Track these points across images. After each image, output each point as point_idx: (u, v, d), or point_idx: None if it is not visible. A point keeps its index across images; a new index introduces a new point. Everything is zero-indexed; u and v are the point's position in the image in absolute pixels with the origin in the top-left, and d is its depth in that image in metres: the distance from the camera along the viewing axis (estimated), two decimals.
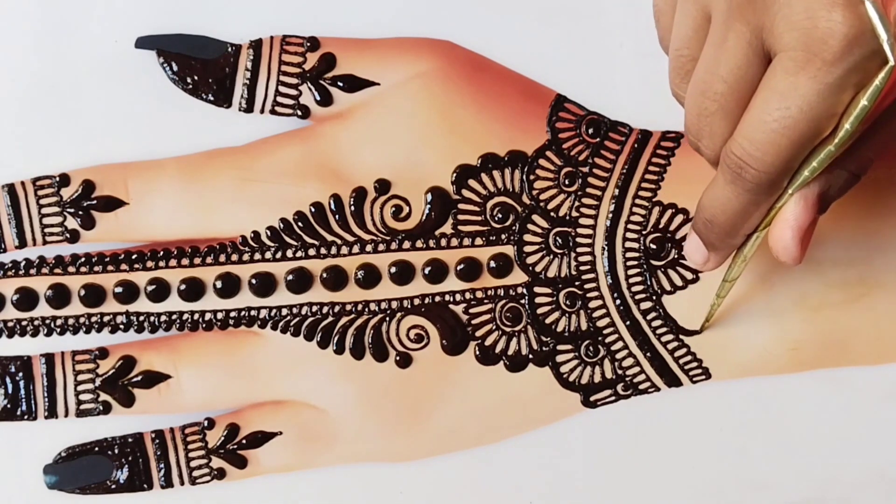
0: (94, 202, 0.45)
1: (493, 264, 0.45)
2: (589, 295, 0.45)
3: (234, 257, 0.45)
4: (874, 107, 0.33)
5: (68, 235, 0.45)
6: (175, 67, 0.45)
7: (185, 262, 0.45)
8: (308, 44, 0.46)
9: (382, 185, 0.45)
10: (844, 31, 0.31)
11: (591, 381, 0.46)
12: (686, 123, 0.37)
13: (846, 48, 0.32)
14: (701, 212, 0.39)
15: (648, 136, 0.45)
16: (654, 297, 0.45)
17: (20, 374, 0.46)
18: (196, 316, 0.46)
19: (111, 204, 0.45)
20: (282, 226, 0.45)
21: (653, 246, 0.45)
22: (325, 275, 0.45)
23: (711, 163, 0.37)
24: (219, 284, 0.45)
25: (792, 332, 0.45)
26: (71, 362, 0.46)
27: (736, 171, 0.35)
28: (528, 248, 0.45)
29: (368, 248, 0.45)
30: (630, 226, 0.45)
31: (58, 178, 0.45)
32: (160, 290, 0.45)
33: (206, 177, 0.45)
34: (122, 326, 0.46)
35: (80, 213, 0.45)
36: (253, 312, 0.45)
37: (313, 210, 0.45)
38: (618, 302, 0.45)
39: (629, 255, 0.45)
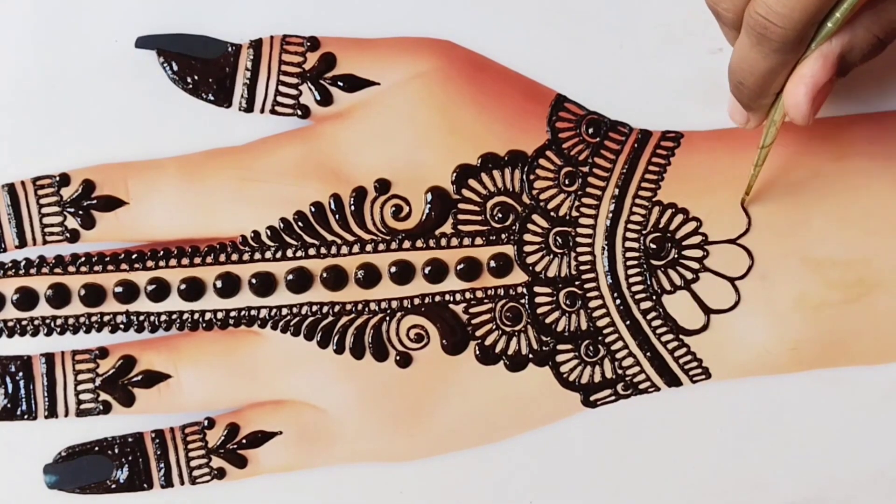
0: (94, 202, 0.45)
1: (493, 264, 0.45)
2: (589, 295, 0.45)
3: (234, 257, 0.45)
4: None
5: (68, 235, 0.45)
6: (175, 67, 0.45)
7: (185, 261, 0.45)
8: (308, 44, 0.46)
9: (382, 185, 0.45)
10: None
11: (591, 381, 0.46)
12: None
13: None
14: (731, 75, 0.39)
15: (648, 135, 0.45)
16: (654, 297, 0.45)
17: (20, 374, 0.46)
18: (196, 316, 0.46)
19: (111, 204, 0.45)
20: (282, 225, 0.45)
21: (653, 246, 0.45)
22: (325, 274, 0.45)
23: (732, 27, 0.37)
24: (219, 284, 0.45)
25: (792, 332, 0.45)
26: (71, 362, 0.46)
27: (761, 32, 0.35)
28: (528, 248, 0.45)
29: (368, 247, 0.45)
30: (630, 225, 0.45)
31: (58, 178, 0.45)
32: (160, 290, 0.45)
33: (206, 176, 0.45)
34: (122, 326, 0.46)
35: (80, 212, 0.45)
36: (253, 312, 0.45)
37: (313, 210, 0.45)
38: (618, 302, 0.45)
39: (629, 254, 0.45)
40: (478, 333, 0.45)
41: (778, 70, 0.37)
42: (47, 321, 0.46)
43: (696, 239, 0.45)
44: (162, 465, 0.46)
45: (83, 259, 0.45)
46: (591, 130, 0.45)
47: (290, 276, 0.45)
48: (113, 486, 0.46)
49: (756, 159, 0.42)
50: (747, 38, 0.36)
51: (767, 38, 0.35)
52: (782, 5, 0.34)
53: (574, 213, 0.45)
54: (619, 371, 0.45)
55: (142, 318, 0.46)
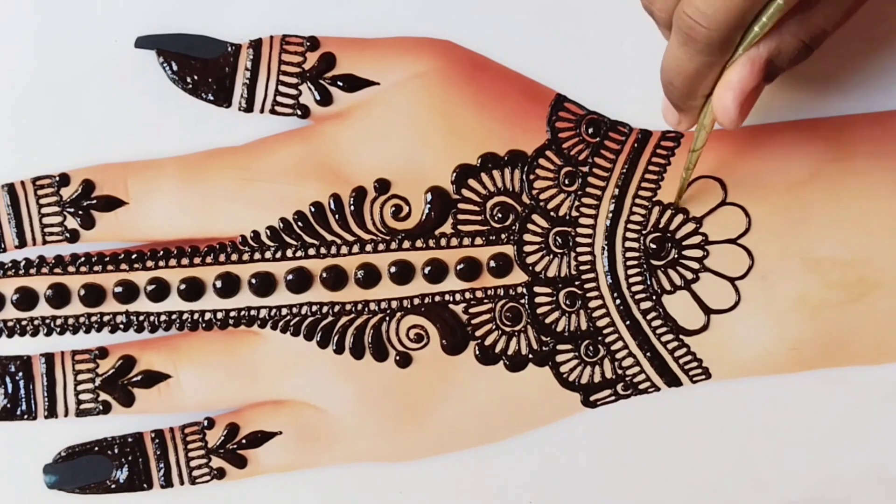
0: (94, 202, 0.45)
1: (492, 264, 0.45)
2: (589, 295, 0.45)
3: (234, 257, 0.45)
4: None
5: (68, 235, 0.45)
6: (175, 67, 0.45)
7: (185, 261, 0.45)
8: (308, 43, 0.46)
9: (382, 185, 0.45)
10: None
11: (590, 381, 0.46)
12: None
13: None
14: (662, 74, 0.39)
15: (648, 135, 0.45)
16: (654, 297, 0.45)
17: (20, 374, 0.46)
18: (196, 316, 0.46)
19: (111, 204, 0.45)
20: (282, 225, 0.45)
21: (653, 246, 0.45)
22: (324, 274, 0.45)
23: (665, 28, 0.37)
24: (219, 284, 0.45)
25: (792, 332, 0.45)
26: (71, 362, 0.46)
27: (687, 32, 0.35)
28: (527, 248, 0.45)
29: (368, 247, 0.45)
30: (630, 225, 0.45)
31: (58, 178, 0.45)
32: (160, 290, 0.45)
33: (206, 176, 0.45)
34: (121, 326, 0.46)
35: (80, 212, 0.45)
36: (253, 312, 0.45)
37: (313, 210, 0.45)
38: (618, 302, 0.45)
39: (629, 254, 0.45)
40: (478, 333, 0.45)
41: (705, 72, 0.37)
42: (47, 321, 0.46)
43: (696, 239, 0.45)
44: (162, 465, 0.46)
45: (83, 259, 0.45)
46: (591, 130, 0.45)
47: (290, 276, 0.45)
48: (113, 486, 0.46)
49: (686, 163, 0.42)
50: (676, 38, 0.36)
51: (693, 39, 0.35)
52: (708, 6, 0.34)
53: (574, 213, 0.45)
54: (619, 371, 0.45)
55: (142, 318, 0.46)
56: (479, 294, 0.45)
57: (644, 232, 0.45)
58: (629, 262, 0.45)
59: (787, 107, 0.45)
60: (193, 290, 0.45)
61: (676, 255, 0.45)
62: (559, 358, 0.45)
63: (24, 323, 0.46)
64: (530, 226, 0.45)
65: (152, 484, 0.46)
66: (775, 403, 0.45)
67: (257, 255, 0.45)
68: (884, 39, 0.45)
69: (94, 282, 0.45)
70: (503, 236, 0.45)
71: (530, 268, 0.45)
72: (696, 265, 0.45)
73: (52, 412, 0.46)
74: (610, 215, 0.45)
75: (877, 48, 0.45)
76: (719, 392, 0.46)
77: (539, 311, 0.45)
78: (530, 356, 0.45)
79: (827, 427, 0.46)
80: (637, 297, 0.45)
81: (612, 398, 0.46)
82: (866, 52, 0.45)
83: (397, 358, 0.45)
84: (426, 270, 0.45)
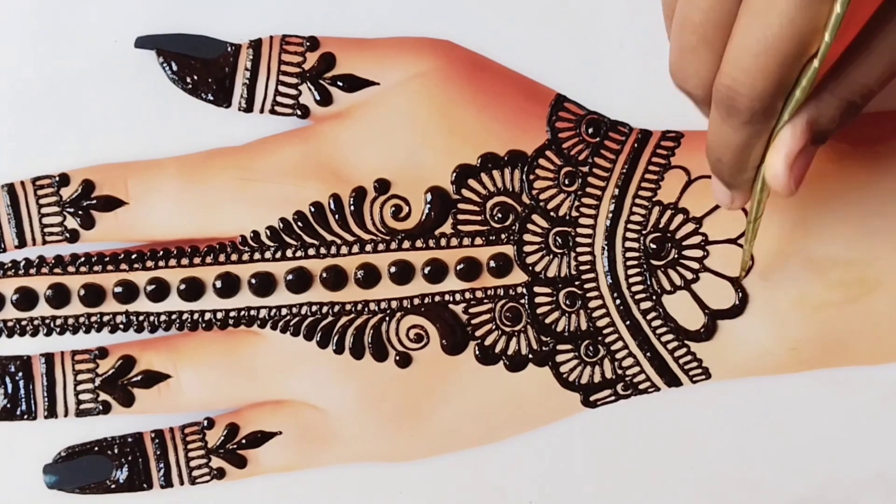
0: (94, 202, 0.45)
1: (492, 264, 0.45)
2: (589, 295, 0.45)
3: (234, 257, 0.45)
4: (849, 17, 0.32)
5: (68, 235, 0.45)
6: (175, 67, 0.45)
7: (184, 261, 0.45)
8: (308, 43, 0.46)
9: (382, 185, 0.45)
10: None
11: (590, 381, 0.46)
12: (670, 68, 0.36)
13: None
14: (709, 153, 0.38)
15: (648, 135, 0.45)
16: (654, 297, 0.45)
17: (20, 374, 0.46)
18: (196, 316, 0.46)
19: (111, 204, 0.45)
20: (281, 225, 0.45)
21: (653, 246, 0.45)
22: (324, 274, 0.45)
23: (701, 103, 0.37)
24: (218, 284, 0.45)
25: (792, 332, 0.45)
26: (71, 362, 0.46)
27: (728, 104, 0.34)
28: (527, 248, 0.45)
29: (368, 247, 0.45)
30: (630, 225, 0.45)
31: (58, 178, 0.45)
32: (160, 290, 0.45)
33: (205, 177, 0.45)
34: (121, 326, 0.46)
35: (80, 212, 0.45)
36: (253, 312, 0.45)
37: (313, 210, 0.45)
38: (618, 302, 0.45)
39: (629, 254, 0.45)
40: (477, 333, 0.45)
41: (752, 143, 0.36)
42: (47, 321, 0.46)
43: (696, 239, 0.45)
44: (161, 465, 0.46)
45: (83, 259, 0.45)
46: (591, 130, 0.45)
47: (290, 276, 0.45)
48: (113, 486, 0.46)
49: (746, 235, 0.42)
50: (717, 112, 0.35)
51: (736, 110, 0.35)
52: (746, 75, 0.33)
53: (574, 213, 0.45)
54: (619, 371, 0.45)
55: (141, 318, 0.46)
56: (479, 294, 0.45)
57: (644, 232, 0.45)
58: (629, 262, 0.45)
59: None
60: (193, 290, 0.45)
61: (676, 255, 0.45)
62: (559, 358, 0.45)
63: (23, 323, 0.46)
64: (530, 226, 0.45)
65: (152, 484, 0.46)
66: (775, 403, 0.46)
67: (257, 255, 0.45)
68: None
69: (94, 282, 0.45)
70: (503, 236, 0.45)
71: (530, 268, 0.45)
72: (696, 265, 0.45)
73: (51, 412, 0.46)
74: (610, 215, 0.45)
75: None
76: (719, 392, 0.46)
77: (539, 311, 0.45)
78: (530, 356, 0.45)
79: (827, 427, 0.46)
80: (637, 297, 0.45)
81: (612, 398, 0.46)
82: None
83: (397, 358, 0.45)
84: (426, 270, 0.45)
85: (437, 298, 0.45)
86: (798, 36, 0.32)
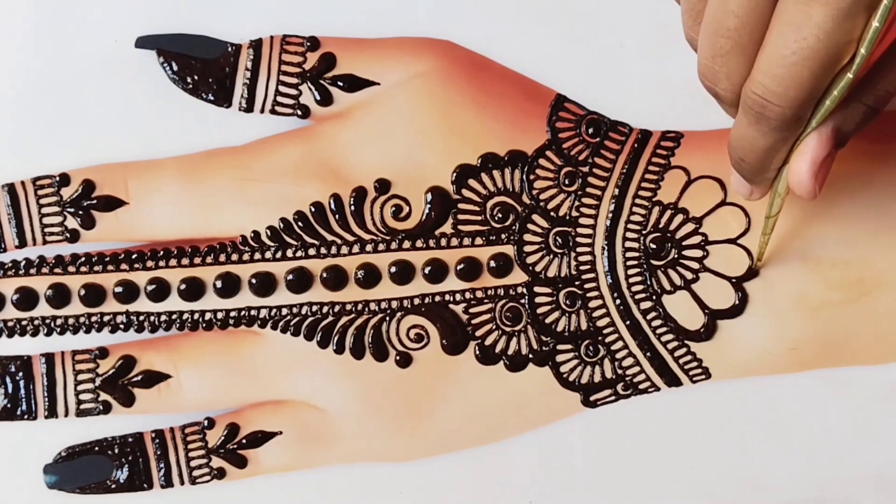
0: (94, 202, 0.45)
1: (493, 264, 0.45)
2: (589, 295, 0.45)
3: (234, 257, 0.45)
4: (886, 28, 0.32)
5: (68, 235, 0.45)
6: (175, 67, 0.45)
7: (185, 261, 0.45)
8: (308, 43, 0.46)
9: (382, 185, 0.45)
10: None
11: (590, 381, 0.46)
12: (700, 69, 0.36)
13: None
14: (731, 152, 0.38)
15: (648, 135, 0.45)
16: (654, 297, 0.45)
17: (20, 374, 0.46)
18: (196, 316, 0.46)
19: (111, 204, 0.45)
20: (282, 225, 0.45)
21: (653, 246, 0.45)
22: (325, 274, 0.45)
23: (730, 106, 0.37)
24: (219, 284, 0.45)
25: (792, 332, 0.45)
26: (71, 362, 0.46)
27: (759, 111, 0.35)
28: (528, 248, 0.45)
29: (368, 247, 0.45)
30: (630, 225, 0.45)
31: (58, 178, 0.45)
32: (160, 290, 0.45)
33: (206, 177, 0.45)
34: (122, 326, 0.46)
35: (80, 212, 0.45)
36: (253, 312, 0.45)
37: (313, 210, 0.45)
38: (618, 302, 0.45)
39: (629, 254, 0.45)
40: (478, 333, 0.45)
41: (778, 147, 0.36)
42: (47, 321, 0.46)
43: (696, 239, 0.45)
44: (162, 465, 0.46)
45: (83, 259, 0.45)
46: (591, 130, 0.45)
47: (290, 276, 0.45)
48: (113, 486, 0.46)
49: (764, 228, 0.42)
50: (745, 116, 0.36)
51: (766, 117, 0.35)
52: (777, 84, 0.34)
53: (574, 213, 0.45)
54: (619, 371, 0.45)
55: (142, 318, 0.46)
56: (479, 294, 0.45)
57: (644, 232, 0.45)
58: (629, 262, 0.45)
59: None
60: (193, 290, 0.45)
61: (676, 255, 0.45)
62: (559, 358, 0.45)
63: (24, 323, 0.46)
64: (530, 226, 0.45)
65: (152, 484, 0.46)
66: (775, 403, 0.45)
67: (257, 255, 0.45)
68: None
69: (94, 282, 0.45)
70: (503, 236, 0.45)
71: (530, 268, 0.45)
72: (695, 265, 0.45)
73: (52, 412, 0.46)
74: (610, 215, 0.45)
75: None
76: (719, 392, 0.46)
77: (539, 311, 0.45)
78: (530, 356, 0.45)
79: (827, 427, 0.46)
80: (637, 297, 0.45)
81: (612, 398, 0.46)
82: None
83: (397, 358, 0.45)
84: (426, 270, 0.45)
85: (437, 298, 0.45)
86: (833, 48, 0.32)
